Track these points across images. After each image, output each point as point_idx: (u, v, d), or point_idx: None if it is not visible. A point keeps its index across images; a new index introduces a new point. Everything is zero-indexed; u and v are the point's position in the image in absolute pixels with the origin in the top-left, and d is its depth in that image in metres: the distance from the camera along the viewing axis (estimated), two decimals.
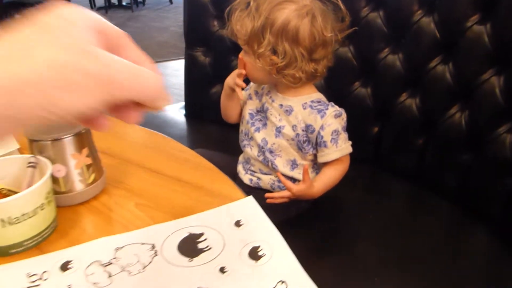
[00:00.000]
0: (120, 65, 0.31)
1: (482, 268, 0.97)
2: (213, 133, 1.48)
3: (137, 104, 0.33)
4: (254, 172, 1.07)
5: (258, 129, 1.03)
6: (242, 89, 1.03)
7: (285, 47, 0.89)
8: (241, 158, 1.13)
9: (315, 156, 1.01)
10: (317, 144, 0.98)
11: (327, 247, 1.00)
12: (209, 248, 0.46)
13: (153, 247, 0.46)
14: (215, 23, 1.44)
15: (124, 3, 6.90)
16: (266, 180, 1.05)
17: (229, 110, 1.11)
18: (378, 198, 1.16)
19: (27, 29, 0.28)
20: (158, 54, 4.34)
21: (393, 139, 1.24)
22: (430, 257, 0.97)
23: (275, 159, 1.01)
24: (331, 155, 0.97)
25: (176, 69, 3.67)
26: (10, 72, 0.27)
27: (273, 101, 1.01)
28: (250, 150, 1.05)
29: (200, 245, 0.46)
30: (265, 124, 1.03)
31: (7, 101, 0.27)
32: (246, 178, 1.08)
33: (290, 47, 0.89)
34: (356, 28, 1.18)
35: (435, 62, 1.12)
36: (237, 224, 0.50)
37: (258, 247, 0.46)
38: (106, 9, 6.65)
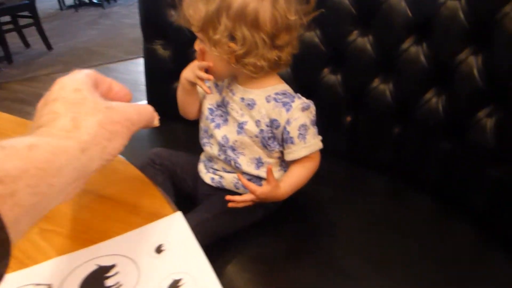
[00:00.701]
0: (130, 108, 0.43)
1: (466, 264, 0.89)
2: (176, 131, 1.37)
3: None
4: (217, 170, 0.97)
5: (218, 126, 0.93)
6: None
7: (244, 33, 0.79)
8: (202, 156, 1.04)
9: (282, 153, 0.92)
10: (283, 141, 0.88)
11: (298, 251, 0.91)
12: (119, 286, 0.36)
13: None
14: (172, 13, 1.33)
15: (95, 1, 6.71)
16: (229, 179, 0.96)
17: (187, 106, 1.00)
18: (353, 194, 1.07)
19: (58, 105, 0.38)
20: (131, 51, 4.21)
21: (367, 129, 1.15)
22: (411, 255, 0.90)
23: (238, 157, 0.92)
24: (299, 152, 0.88)
25: None
26: (78, 139, 0.36)
27: (233, 94, 0.91)
28: (210, 149, 0.96)
29: (109, 282, 0.36)
30: (226, 120, 0.93)
31: (80, 160, 0.36)
32: (207, 177, 0.99)
33: (250, 32, 0.79)
34: (323, 10, 1.09)
35: (408, 43, 1.03)
36: (158, 249, 0.40)
37: (179, 280, 0.36)
38: (76, 8, 6.45)
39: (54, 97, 0.39)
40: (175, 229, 0.42)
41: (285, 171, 0.95)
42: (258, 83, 0.89)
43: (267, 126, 0.88)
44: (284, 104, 0.86)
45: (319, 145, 0.89)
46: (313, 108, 0.88)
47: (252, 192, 0.84)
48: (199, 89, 0.97)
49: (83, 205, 0.43)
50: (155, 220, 0.44)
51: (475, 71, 0.92)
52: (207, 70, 0.89)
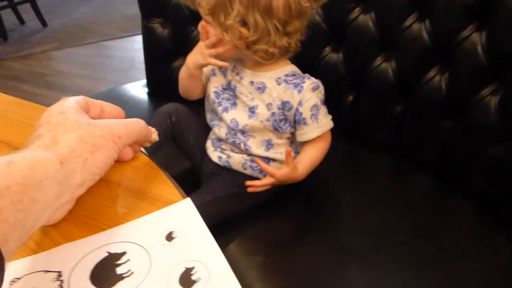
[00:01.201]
0: (117, 122, 0.45)
1: (467, 242, 0.90)
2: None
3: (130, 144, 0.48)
4: (224, 150, 0.97)
5: (226, 109, 0.92)
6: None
7: (257, 19, 0.77)
8: (211, 134, 1.02)
9: (292, 134, 0.91)
10: (296, 122, 0.88)
11: (302, 232, 0.92)
12: (131, 273, 0.36)
13: (59, 275, 0.36)
14: None
15: None
16: (237, 159, 0.95)
17: (191, 89, 0.98)
18: (356, 174, 1.08)
19: (42, 129, 0.40)
20: (126, 28, 4.13)
21: (369, 107, 1.15)
22: (413, 234, 0.91)
23: (247, 140, 0.91)
24: (312, 132, 0.88)
25: None
26: (56, 152, 0.37)
27: (241, 78, 0.89)
28: (219, 131, 0.94)
29: (120, 270, 0.36)
30: (234, 104, 0.91)
31: (60, 172, 0.37)
32: (214, 155, 0.98)
33: (263, 18, 0.77)
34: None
35: (410, 20, 1.01)
36: (169, 237, 0.39)
37: (192, 268, 0.36)
38: None
39: (40, 124, 0.41)
40: (185, 216, 0.42)
41: (295, 151, 0.94)
42: (267, 66, 0.87)
43: (279, 108, 0.87)
44: (296, 85, 0.85)
45: (331, 124, 0.90)
46: (322, 87, 0.88)
47: (272, 175, 0.85)
48: (204, 71, 0.95)
49: (90, 191, 0.43)
50: (164, 206, 0.44)
51: (479, 48, 0.91)
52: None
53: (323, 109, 0.88)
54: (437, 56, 0.99)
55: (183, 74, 0.95)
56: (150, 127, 0.51)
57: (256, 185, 0.86)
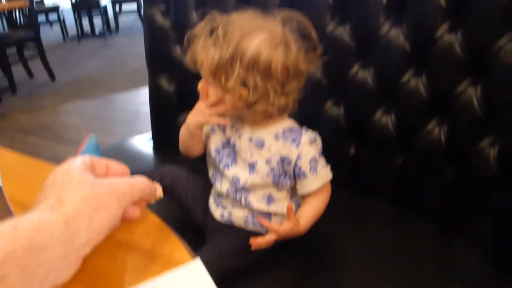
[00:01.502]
0: (120, 180, 0.45)
1: None
2: (183, 163, 1.39)
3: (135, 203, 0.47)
4: (226, 207, 0.98)
5: (227, 166, 0.93)
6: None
7: (257, 81, 0.79)
8: (213, 190, 1.04)
9: (292, 187, 0.93)
10: (295, 176, 0.89)
11: (306, 286, 0.91)
12: None
13: None
14: (177, 49, 1.36)
15: (97, 32, 6.82)
16: (239, 216, 0.96)
17: (191, 148, 0.99)
18: (358, 225, 1.08)
19: (47, 190, 0.41)
20: (133, 81, 4.26)
21: (371, 159, 1.17)
22: (420, 286, 0.90)
23: (248, 195, 0.92)
24: (313, 185, 0.89)
25: None
26: (61, 213, 0.38)
27: (240, 135, 0.92)
28: (220, 187, 0.96)
29: None
30: (234, 160, 0.93)
31: (65, 234, 0.37)
32: (217, 213, 0.99)
33: (262, 80, 0.79)
34: (328, 56, 1.12)
35: (407, 75, 1.05)
36: None
37: None
38: (79, 39, 6.56)
39: (46, 184, 0.42)
40: (195, 278, 0.42)
41: (296, 204, 0.95)
42: (265, 122, 0.89)
43: (278, 163, 0.88)
44: (293, 140, 0.87)
45: (330, 175, 0.91)
46: (319, 139, 0.90)
47: (274, 231, 0.86)
48: (203, 129, 0.97)
49: (99, 251, 0.44)
50: (174, 266, 0.45)
51: (475, 102, 0.94)
52: None
53: (322, 161, 0.90)
54: (435, 109, 1.02)
55: (183, 133, 0.96)
56: (154, 183, 0.51)
57: (259, 243, 0.87)
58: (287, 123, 0.91)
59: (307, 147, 0.87)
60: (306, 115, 1.20)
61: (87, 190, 0.41)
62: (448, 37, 0.96)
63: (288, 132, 0.89)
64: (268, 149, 0.88)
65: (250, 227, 0.95)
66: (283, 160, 0.88)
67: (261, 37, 0.79)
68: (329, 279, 0.92)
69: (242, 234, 0.93)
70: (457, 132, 0.99)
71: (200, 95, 0.89)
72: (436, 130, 1.03)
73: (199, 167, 1.05)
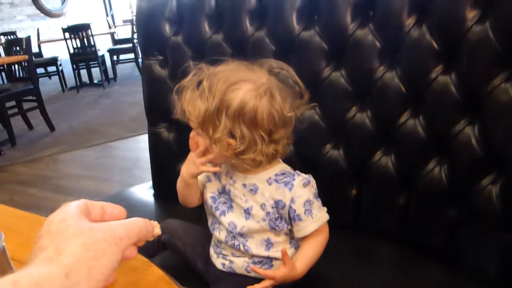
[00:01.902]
0: (117, 224, 0.45)
1: None
2: (184, 212, 1.38)
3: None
4: (226, 256, 0.97)
5: (223, 213, 0.94)
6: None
7: (243, 131, 0.81)
8: (213, 239, 1.03)
9: (290, 230, 0.92)
10: (291, 219, 0.89)
11: None
12: None
13: None
14: (175, 98, 1.38)
15: (95, 81, 6.94)
16: (240, 264, 0.95)
17: (189, 198, 1.00)
18: (362, 267, 1.06)
19: (44, 240, 0.41)
20: (131, 129, 4.29)
21: (372, 200, 1.17)
22: None
23: (247, 241, 0.92)
24: (308, 228, 0.88)
25: None
26: (61, 263, 0.38)
27: (234, 182, 0.92)
28: (219, 234, 0.95)
29: None
30: (230, 207, 0.93)
31: (65, 285, 0.37)
32: (218, 262, 0.98)
33: (249, 130, 0.81)
34: (316, 104, 1.15)
35: (404, 116, 1.07)
36: None
37: None
38: (77, 89, 6.65)
39: (41, 234, 0.42)
40: None
41: (295, 247, 0.94)
42: (257, 168, 0.89)
43: (273, 207, 0.88)
44: (286, 183, 0.87)
45: (326, 216, 0.90)
46: (313, 181, 0.90)
47: (271, 278, 0.84)
48: (200, 178, 0.98)
49: None
50: None
51: (473, 140, 0.95)
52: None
53: (317, 203, 0.89)
54: (434, 149, 1.03)
55: (179, 184, 0.97)
56: (151, 221, 0.52)
57: None
58: (279, 167, 0.91)
59: (300, 190, 0.87)
60: (306, 158, 1.21)
61: (85, 236, 0.41)
62: (443, 78, 0.98)
63: (280, 176, 0.89)
64: (262, 194, 0.89)
65: (252, 274, 0.93)
66: (277, 204, 0.88)
67: (246, 88, 0.81)
68: None
69: (246, 281, 0.91)
70: (458, 171, 1.00)
71: (190, 146, 0.90)
72: (437, 170, 1.03)
73: (199, 216, 1.05)
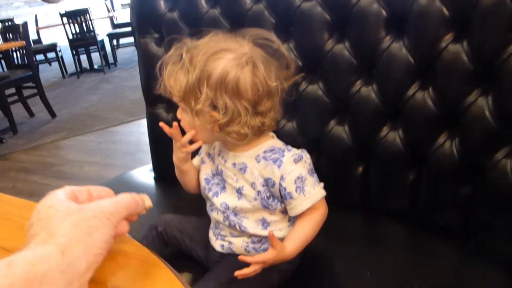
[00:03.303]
0: (105, 201, 0.46)
1: None
2: (184, 194, 1.34)
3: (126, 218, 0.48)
4: (225, 236, 0.94)
5: (216, 194, 0.91)
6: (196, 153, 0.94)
7: (226, 101, 0.77)
8: (211, 222, 1.00)
9: (281, 210, 0.89)
10: (283, 197, 0.85)
11: None
12: None
13: None
14: (158, 74, 1.33)
15: (95, 67, 6.87)
16: (239, 244, 0.92)
17: (189, 184, 0.98)
18: (372, 248, 1.02)
19: (35, 228, 0.41)
20: (132, 113, 4.25)
21: (380, 178, 1.12)
22: None
23: (242, 221, 0.88)
24: (301, 205, 0.84)
25: None
26: (55, 243, 0.38)
27: (225, 161, 0.89)
28: (216, 215, 0.92)
29: None
30: (223, 188, 0.90)
31: (63, 262, 0.37)
32: (217, 244, 0.95)
33: (232, 100, 0.77)
34: (303, 74, 1.11)
35: (413, 89, 1.01)
36: None
37: None
38: (77, 75, 6.60)
39: (31, 222, 0.42)
40: None
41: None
42: (246, 145, 0.87)
43: (263, 186, 0.85)
44: (274, 160, 0.83)
45: (321, 193, 0.85)
46: (306, 157, 0.85)
47: (261, 262, 0.80)
48: (196, 163, 0.96)
49: None
50: None
51: (487, 112, 0.90)
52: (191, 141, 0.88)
53: (311, 179, 0.84)
54: (444, 123, 0.98)
55: (177, 173, 0.97)
56: (140, 194, 0.53)
57: (245, 273, 0.81)
58: (268, 143, 0.87)
59: (291, 166, 0.83)
60: (309, 135, 1.16)
61: (75, 216, 0.42)
62: (454, 47, 0.93)
63: (269, 152, 0.85)
64: (251, 173, 0.85)
65: (252, 253, 0.91)
66: (267, 182, 0.84)
67: (227, 57, 0.78)
68: None
69: (244, 262, 0.89)
70: (470, 145, 0.95)
71: (173, 137, 0.88)
72: (447, 144, 0.98)
73: (199, 205, 1.01)
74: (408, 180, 1.07)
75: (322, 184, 0.86)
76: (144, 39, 1.35)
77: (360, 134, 1.12)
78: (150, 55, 1.35)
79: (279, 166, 0.82)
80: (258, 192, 0.85)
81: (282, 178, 0.82)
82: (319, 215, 0.86)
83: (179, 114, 0.86)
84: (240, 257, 0.81)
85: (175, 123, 0.86)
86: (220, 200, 0.90)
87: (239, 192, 0.87)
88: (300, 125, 1.19)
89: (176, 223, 1.03)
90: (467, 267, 0.95)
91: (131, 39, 7.49)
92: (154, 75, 1.36)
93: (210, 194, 0.92)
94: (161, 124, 0.86)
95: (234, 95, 0.77)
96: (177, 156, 0.91)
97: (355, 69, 1.09)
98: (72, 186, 0.48)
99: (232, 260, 0.91)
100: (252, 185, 0.85)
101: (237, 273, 0.80)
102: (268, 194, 0.85)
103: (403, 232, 1.09)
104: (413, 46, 0.99)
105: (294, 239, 0.85)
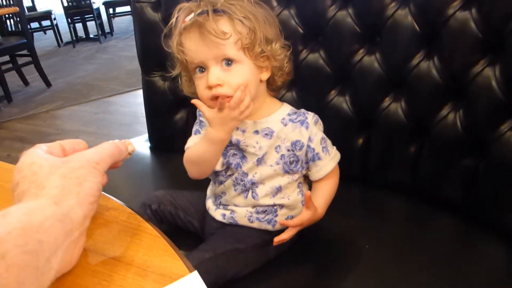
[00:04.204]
0: (88, 151, 0.46)
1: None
2: (181, 164, 1.32)
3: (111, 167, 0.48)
4: (227, 206, 0.91)
5: (238, 165, 0.86)
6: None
7: (273, 44, 0.80)
8: (209, 192, 0.98)
9: (299, 176, 0.87)
10: (310, 160, 0.85)
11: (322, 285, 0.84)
12: None
13: None
14: (170, 44, 1.29)
15: (91, 36, 6.75)
16: (242, 213, 0.89)
17: (210, 166, 0.86)
18: (371, 220, 1.00)
19: (21, 186, 0.41)
20: (129, 83, 4.19)
21: (381, 150, 1.10)
22: (442, 285, 0.82)
23: (256, 187, 0.86)
24: (327, 166, 0.86)
25: None
26: (47, 196, 0.39)
27: (244, 131, 0.85)
28: (223, 186, 0.90)
29: None
30: (243, 157, 0.86)
31: (59, 212, 0.38)
32: (217, 214, 0.92)
33: (275, 40, 0.80)
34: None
35: (417, 58, 0.98)
36: None
37: None
38: (73, 44, 6.49)
39: (16, 182, 0.42)
40: None
41: (302, 193, 0.90)
42: (265, 111, 0.85)
43: (288, 150, 0.84)
44: (302, 122, 0.84)
45: (339, 154, 0.89)
46: (320, 120, 0.88)
47: (298, 225, 0.82)
48: (195, 140, 0.91)
49: (85, 268, 0.38)
50: (168, 283, 0.38)
51: (493, 83, 0.87)
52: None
53: (328, 141, 0.88)
54: (449, 93, 0.95)
55: (200, 155, 0.84)
56: (122, 140, 0.53)
57: (283, 239, 0.82)
58: (287, 107, 0.88)
59: (314, 127, 0.85)
60: (310, 106, 1.13)
61: (62, 169, 0.41)
62: (462, 14, 0.89)
63: (293, 115, 0.86)
64: (277, 136, 0.84)
65: (255, 223, 0.89)
66: (295, 145, 0.84)
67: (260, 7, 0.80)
68: (340, 281, 0.85)
69: (243, 233, 0.89)
70: (475, 117, 0.92)
71: (223, 107, 0.75)
72: (451, 116, 0.96)
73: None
74: (409, 152, 1.05)
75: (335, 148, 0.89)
76: (140, 3, 1.30)
77: (361, 105, 1.09)
78: (146, 21, 1.30)
79: (307, 128, 0.83)
80: (282, 156, 0.84)
81: (310, 139, 0.84)
82: (337, 178, 0.89)
83: (217, 79, 0.75)
84: (281, 222, 0.85)
85: (209, 94, 0.78)
86: (243, 170, 0.86)
87: (261, 158, 0.85)
88: (300, 95, 1.16)
89: (169, 198, 1.01)
90: (467, 240, 0.94)
91: (127, 8, 7.34)
92: (150, 42, 1.33)
93: (233, 166, 0.86)
94: (195, 101, 0.78)
95: (275, 35, 0.80)
96: (230, 127, 0.78)
97: (358, 37, 1.05)
98: (43, 144, 0.47)
99: (232, 230, 0.89)
100: (277, 148, 0.84)
101: (276, 239, 0.82)
102: (291, 159, 0.85)
103: (403, 205, 1.07)
104: (419, 13, 0.95)
105: (321, 199, 0.87)
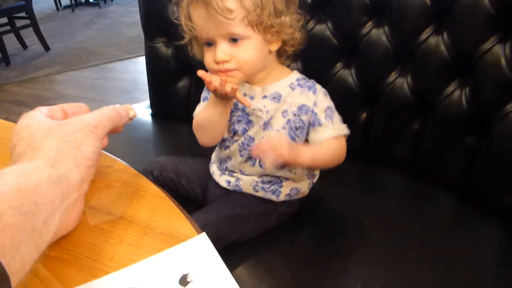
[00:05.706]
0: (87, 115, 0.45)
1: (502, 270, 0.83)
2: (182, 132, 1.32)
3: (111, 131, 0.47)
4: (233, 172, 0.91)
5: (245, 130, 0.87)
6: None
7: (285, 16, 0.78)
8: (214, 157, 0.98)
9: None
10: (310, 125, 0.84)
11: (314, 260, 0.85)
12: None
13: None
14: (174, 8, 1.27)
15: (91, 0, 6.62)
16: (248, 182, 0.90)
17: (221, 130, 0.87)
18: (372, 196, 1.01)
19: (18, 148, 0.40)
20: (129, 50, 4.13)
21: (384, 125, 1.09)
22: (439, 261, 0.83)
23: None
24: (326, 132, 0.82)
25: None
26: (43, 158, 0.38)
27: (252, 97, 0.85)
28: (229, 151, 0.90)
29: None
30: (249, 122, 0.86)
31: (54, 174, 0.37)
32: (222, 180, 0.93)
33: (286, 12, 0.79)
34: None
35: (426, 33, 0.96)
36: (183, 281, 0.34)
37: None
38: (72, 8, 6.36)
39: (13, 144, 0.41)
40: (200, 255, 0.36)
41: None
42: (274, 76, 0.85)
43: (294, 115, 0.84)
44: (309, 87, 0.84)
45: (346, 131, 0.84)
46: (328, 94, 0.87)
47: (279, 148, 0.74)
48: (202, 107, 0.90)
49: (91, 227, 0.38)
50: (177, 243, 0.38)
51: (502, 61, 0.86)
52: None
53: (338, 115, 0.85)
54: (456, 70, 0.94)
55: (211, 118, 0.84)
56: (124, 105, 0.52)
57: (260, 149, 0.75)
58: (296, 73, 0.88)
59: (322, 96, 0.85)
60: (314, 78, 1.12)
61: (58, 132, 0.41)
62: None
63: (302, 80, 0.86)
64: (285, 100, 0.84)
65: (260, 193, 0.90)
66: (301, 109, 0.84)
67: None
68: (339, 253, 0.86)
69: (247, 200, 0.89)
70: (480, 95, 0.92)
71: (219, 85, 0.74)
72: (457, 93, 0.95)
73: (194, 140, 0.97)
74: (412, 129, 1.05)
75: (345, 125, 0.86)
76: None
77: (366, 78, 1.08)
78: None
79: (314, 92, 0.84)
80: (288, 121, 0.84)
81: (315, 104, 0.83)
82: (338, 148, 0.83)
83: (225, 55, 0.76)
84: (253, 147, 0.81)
85: (216, 68, 0.78)
86: (249, 135, 0.87)
87: (267, 123, 0.85)
88: (305, 66, 1.15)
89: (172, 165, 1.01)
90: (466, 218, 0.95)
91: None
92: (154, 6, 1.30)
93: (239, 132, 0.87)
94: (201, 73, 0.75)
95: (286, 6, 0.78)
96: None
97: (367, 9, 1.03)
98: (44, 107, 0.46)
99: (235, 197, 0.90)
100: (284, 113, 0.84)
101: (255, 149, 0.76)
102: (297, 124, 0.84)
103: (403, 182, 1.08)
104: None
105: (311, 147, 0.83)
